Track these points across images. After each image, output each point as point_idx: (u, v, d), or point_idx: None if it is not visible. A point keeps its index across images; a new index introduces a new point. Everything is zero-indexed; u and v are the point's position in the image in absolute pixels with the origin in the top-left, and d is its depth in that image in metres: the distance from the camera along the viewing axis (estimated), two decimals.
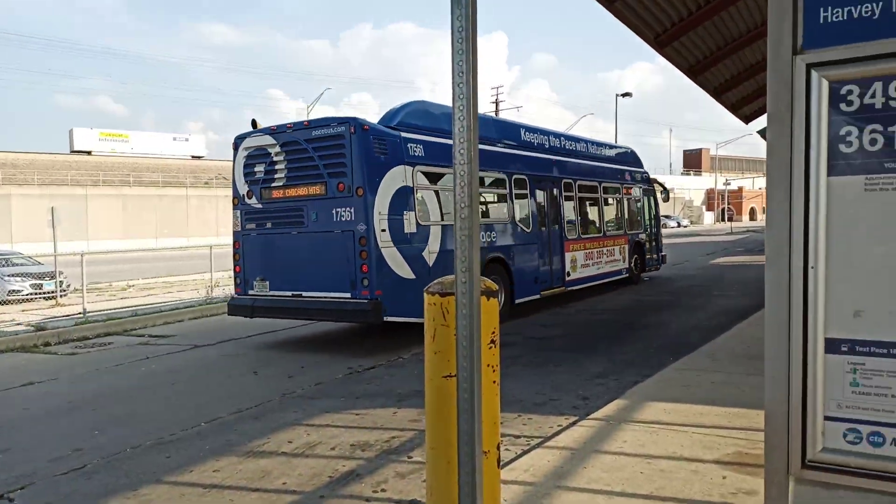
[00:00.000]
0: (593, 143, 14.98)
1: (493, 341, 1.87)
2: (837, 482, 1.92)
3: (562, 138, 13.68)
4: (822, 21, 1.88)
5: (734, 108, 17.51)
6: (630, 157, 16.51)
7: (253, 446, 4.97)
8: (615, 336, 8.96)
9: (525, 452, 4.28)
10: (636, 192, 15.94)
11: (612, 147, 16.09)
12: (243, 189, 9.39)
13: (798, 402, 1.94)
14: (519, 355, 7.88)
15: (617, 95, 45.70)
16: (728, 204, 73.25)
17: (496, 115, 54.90)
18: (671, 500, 3.35)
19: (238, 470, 4.49)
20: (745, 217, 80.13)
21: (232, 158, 9.66)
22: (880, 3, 1.80)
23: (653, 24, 10.67)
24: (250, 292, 9.31)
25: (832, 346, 1.90)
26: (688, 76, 13.50)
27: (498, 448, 1.89)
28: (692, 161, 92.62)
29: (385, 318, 8.27)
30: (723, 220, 71.88)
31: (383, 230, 8.33)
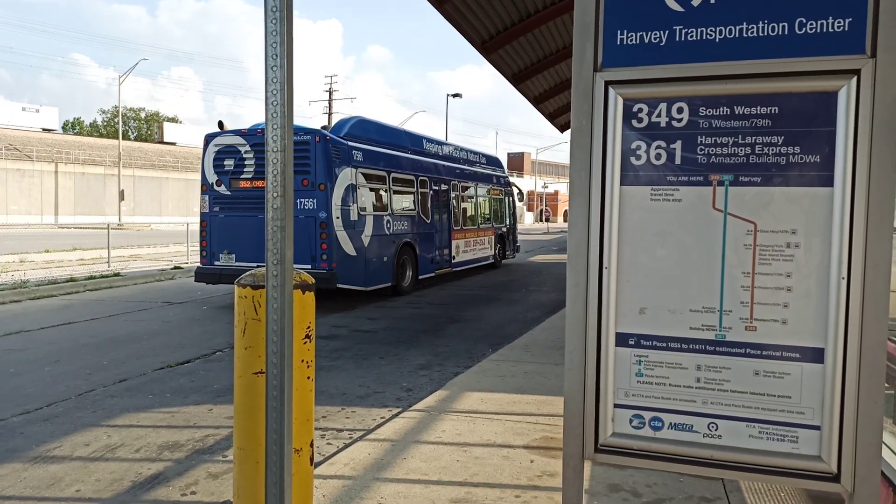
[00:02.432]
0: (471, 151, 18.45)
1: (308, 336, 1.84)
2: (625, 464, 2.12)
3: (450, 147, 17.10)
4: (619, 42, 2.05)
5: (551, 117, 18.74)
6: (497, 163, 20.21)
7: (42, 451, 4.47)
8: (438, 329, 9.22)
9: (346, 446, 4.26)
10: (500, 192, 19.52)
11: (484, 155, 19.44)
12: (212, 178, 11.52)
13: (592, 390, 2.11)
14: (344, 348, 7.85)
15: (448, 95, 46.96)
16: (545, 206, 78.30)
17: (329, 104, 54.09)
18: (483, 486, 3.51)
19: (23, 478, 4.01)
20: (560, 218, 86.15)
21: (202, 153, 11.75)
22: (666, 32, 2.01)
23: (480, 30, 11.09)
24: (216, 263, 11.49)
25: (621, 339, 2.10)
26: (511, 83, 14.23)
27: (311, 446, 1.86)
28: (515, 164, 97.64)
29: (337, 285, 10.80)
30: (541, 220, 76.73)
31: (337, 217, 10.88)
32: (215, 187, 11.48)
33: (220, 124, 11.86)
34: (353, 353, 7.54)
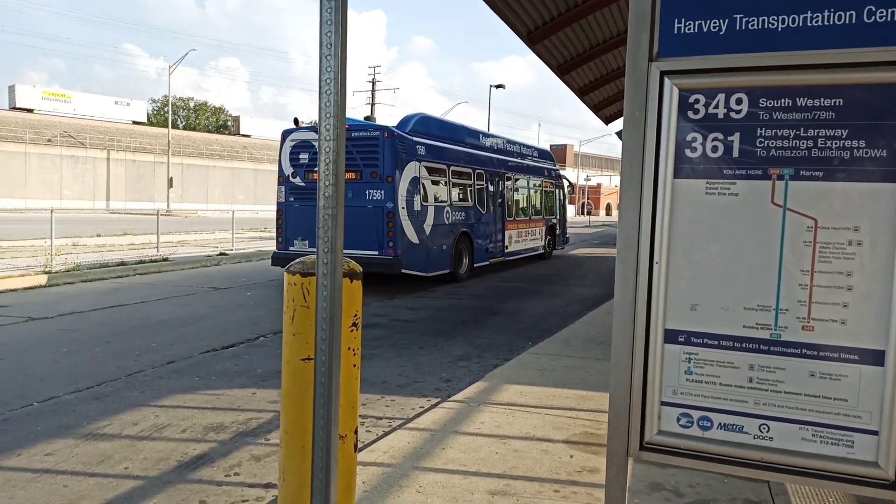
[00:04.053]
0: (524, 145, 19.10)
1: (354, 324, 1.85)
2: (671, 463, 2.08)
3: (505, 141, 17.63)
4: (676, 32, 2.00)
5: (596, 109, 18.50)
6: (548, 157, 20.67)
7: (92, 429, 4.62)
8: (478, 321, 9.21)
9: (386, 434, 4.30)
10: (551, 185, 20.08)
11: (535, 148, 20.00)
12: (288, 170, 12.39)
13: (639, 387, 2.07)
14: (384, 336, 7.90)
15: (491, 86, 46.75)
16: (588, 198, 77.42)
17: (372, 94, 54.38)
18: (522, 479, 3.50)
19: (74, 454, 4.16)
20: (602, 212, 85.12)
21: (279, 147, 12.66)
22: (726, 21, 1.95)
23: (525, 20, 10.98)
24: (291, 248, 12.30)
25: (671, 336, 2.05)
26: (556, 74, 14.07)
27: (355, 432, 1.87)
28: (558, 156, 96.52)
29: (402, 271, 11.58)
30: (582, 213, 75.92)
31: (403, 207, 11.68)
32: (291, 179, 12.39)
33: (296, 121, 12.63)
34: (393, 342, 7.59)
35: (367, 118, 13.52)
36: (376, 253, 11.48)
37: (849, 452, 1.88)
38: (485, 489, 3.37)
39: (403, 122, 12.80)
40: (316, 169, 11.75)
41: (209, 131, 79.10)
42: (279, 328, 8.31)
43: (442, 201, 13.23)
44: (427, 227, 12.44)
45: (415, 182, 12.09)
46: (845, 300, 1.87)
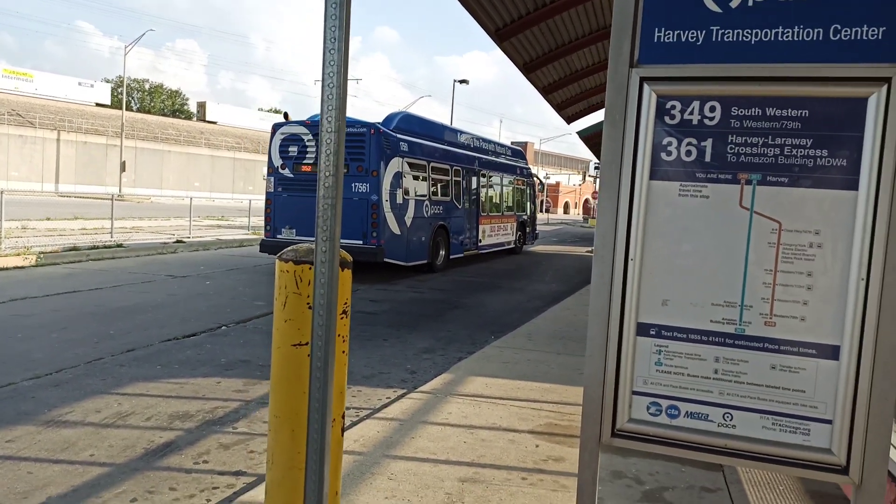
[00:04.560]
0: (499, 144, 20.10)
1: (344, 312, 1.90)
2: (641, 449, 2.20)
3: (480, 140, 18.43)
4: (656, 40, 2.10)
5: (559, 108, 18.74)
6: (520, 155, 21.57)
7: (54, 415, 4.55)
8: (439, 314, 9.30)
9: (355, 423, 4.34)
10: (523, 183, 20.92)
11: (509, 147, 21.07)
12: (278, 162, 12.96)
13: (612, 377, 2.18)
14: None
15: (455, 81, 46.78)
16: (546, 196, 78.25)
17: None
18: (490, 467, 3.60)
19: (36, 441, 4.10)
20: (560, 210, 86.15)
21: (269, 140, 13.20)
22: (703, 32, 2.06)
23: (494, 18, 11.08)
24: (278, 236, 12.91)
25: (643, 329, 2.16)
26: (522, 72, 14.22)
27: (343, 417, 1.93)
28: None
29: (384, 259, 12.32)
30: (541, 211, 76.67)
31: (386, 200, 12.39)
32: (280, 170, 12.97)
33: (286, 115, 13.46)
34: (357, 334, 7.62)
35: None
36: (361, 242, 12.20)
37: (805, 440, 2.02)
38: (455, 476, 3.46)
39: (388, 120, 13.46)
40: (304, 161, 11.84)
41: (165, 115, 77.24)
42: (241, 317, 8.26)
43: (422, 195, 13.89)
44: (408, 220, 13.20)
45: (398, 177, 12.82)
46: (805, 298, 2.01)
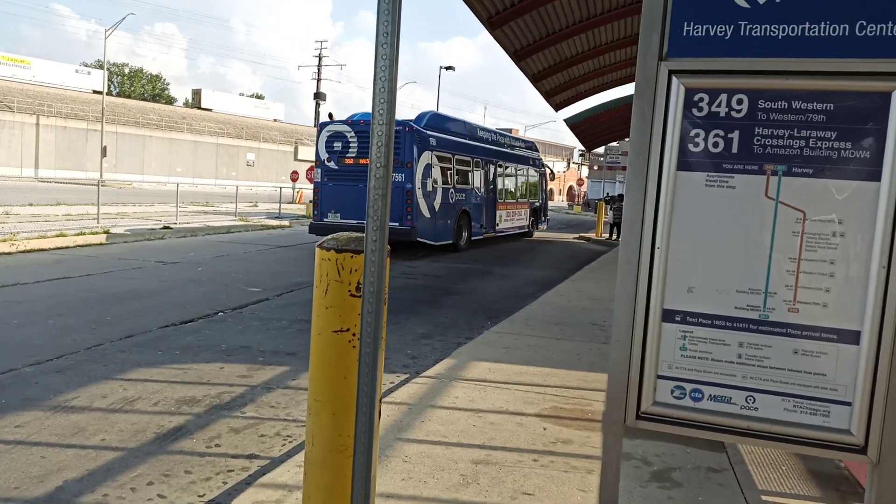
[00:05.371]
0: (513, 137, 22.79)
1: (385, 300, 1.95)
2: (665, 430, 2.27)
3: (497, 134, 20.84)
4: (684, 34, 2.15)
5: (548, 95, 18.81)
6: (533, 147, 23.65)
7: (60, 401, 4.55)
8: (435, 300, 9.36)
9: None
10: (535, 172, 22.89)
11: (523, 140, 23.61)
12: (324, 156, 15.01)
13: (637, 362, 2.25)
14: None
15: (441, 68, 46.61)
16: None
17: (318, 69, 53.41)
18: (502, 449, 3.68)
19: (45, 426, 4.10)
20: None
21: (316, 137, 15.45)
22: (732, 26, 2.11)
23: (487, 5, 11.09)
24: (325, 220, 14.96)
25: (668, 315, 2.23)
26: (512, 59, 14.26)
27: (381, 401, 1.98)
28: None
29: (417, 239, 14.45)
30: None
31: (419, 188, 14.52)
32: (326, 163, 14.98)
33: (330, 115, 15.98)
34: None
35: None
36: (397, 224, 14.06)
37: (825, 421, 2.11)
38: (468, 459, 3.53)
39: (419, 118, 15.64)
40: (347, 155, 13.78)
41: (145, 100, 76.14)
42: (237, 304, 8.26)
43: (448, 184, 15.92)
44: (436, 205, 15.28)
45: (428, 168, 14.89)
46: (827, 286, 2.08)
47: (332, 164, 14.87)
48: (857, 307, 2.05)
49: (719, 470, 3.56)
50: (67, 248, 13.09)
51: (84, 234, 14.37)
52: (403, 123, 14.61)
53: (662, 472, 3.51)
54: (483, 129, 19.62)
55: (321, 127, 15.43)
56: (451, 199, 16.06)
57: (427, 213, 14.87)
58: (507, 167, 20.15)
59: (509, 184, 20.59)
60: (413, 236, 14.30)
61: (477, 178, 17.79)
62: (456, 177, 16.37)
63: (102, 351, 5.88)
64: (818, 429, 2.11)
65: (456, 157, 16.41)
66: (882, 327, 2.02)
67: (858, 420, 2.07)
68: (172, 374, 5.32)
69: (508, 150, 20.74)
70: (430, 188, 14.95)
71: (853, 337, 2.07)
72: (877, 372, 2.04)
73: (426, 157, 14.81)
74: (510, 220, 20.21)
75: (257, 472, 3.58)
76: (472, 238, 17.18)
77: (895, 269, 2.00)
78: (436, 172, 15.30)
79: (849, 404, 2.09)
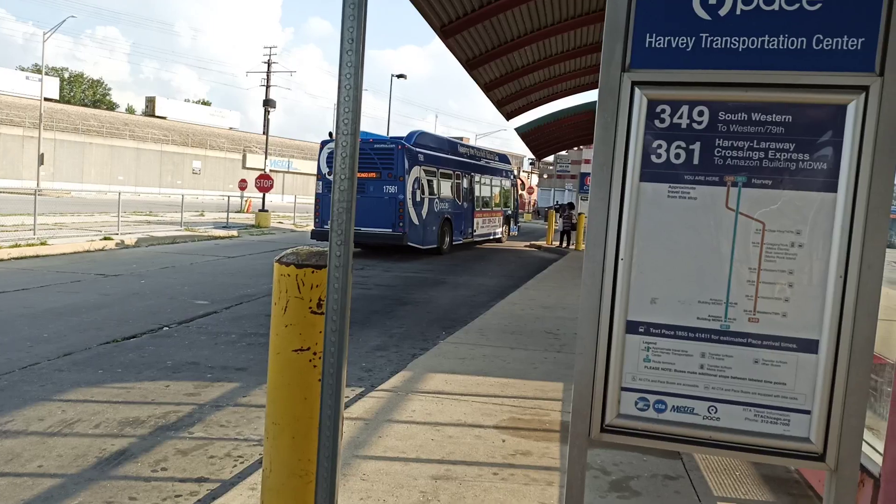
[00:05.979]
0: (489, 151, 24.97)
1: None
2: (629, 443, 2.25)
3: (475, 149, 23.53)
4: (647, 45, 2.15)
5: (500, 104, 18.97)
6: (506, 160, 26.02)
7: None
8: (389, 310, 9.26)
9: None
10: (507, 183, 25.37)
11: (497, 154, 25.58)
12: (325, 170, 16.86)
13: (602, 374, 2.23)
14: None
15: (392, 76, 46.55)
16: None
17: (267, 76, 52.68)
18: (461, 464, 3.62)
19: None
20: None
21: (318, 154, 17.52)
22: (693, 38, 2.12)
23: (441, 14, 11.10)
24: (325, 226, 16.04)
25: (632, 327, 2.22)
26: (465, 68, 14.30)
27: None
28: None
29: (407, 244, 16.36)
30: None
31: (409, 198, 16.41)
32: (327, 176, 16.44)
33: (331, 134, 16.47)
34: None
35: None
36: (390, 230, 16.30)
37: (785, 430, 2.12)
38: (427, 475, 3.46)
39: (409, 137, 17.58)
40: None
41: (86, 105, 73.64)
42: (183, 318, 7.99)
43: (433, 195, 17.84)
44: (424, 214, 17.23)
45: (417, 181, 16.90)
46: (786, 295, 2.10)
47: (331, 178, 16.79)
48: (816, 316, 2.08)
49: (675, 477, 3.59)
50: (2, 260, 12.48)
51: (19, 245, 13.73)
52: (395, 142, 16.81)
53: (621, 481, 3.51)
54: (463, 145, 22.29)
55: (322, 144, 17.46)
56: (436, 207, 18.01)
57: (416, 221, 16.84)
58: (483, 179, 22.43)
59: (486, 193, 22.84)
60: (404, 241, 16.26)
61: (458, 189, 19.91)
62: (440, 188, 18.39)
63: (39, 370, 5.58)
64: (779, 437, 2.12)
65: (440, 170, 18.50)
66: (839, 336, 2.05)
67: (817, 428, 2.09)
68: (114, 393, 5.07)
69: (485, 164, 23.21)
70: (418, 199, 16.91)
71: (812, 346, 2.09)
72: (834, 380, 2.06)
73: (415, 171, 16.82)
74: (486, 226, 22.44)
75: (207, 496, 3.43)
76: (454, 243, 19.29)
77: (852, 278, 2.03)
78: (423, 184, 17.32)
79: (808, 412, 2.11)
